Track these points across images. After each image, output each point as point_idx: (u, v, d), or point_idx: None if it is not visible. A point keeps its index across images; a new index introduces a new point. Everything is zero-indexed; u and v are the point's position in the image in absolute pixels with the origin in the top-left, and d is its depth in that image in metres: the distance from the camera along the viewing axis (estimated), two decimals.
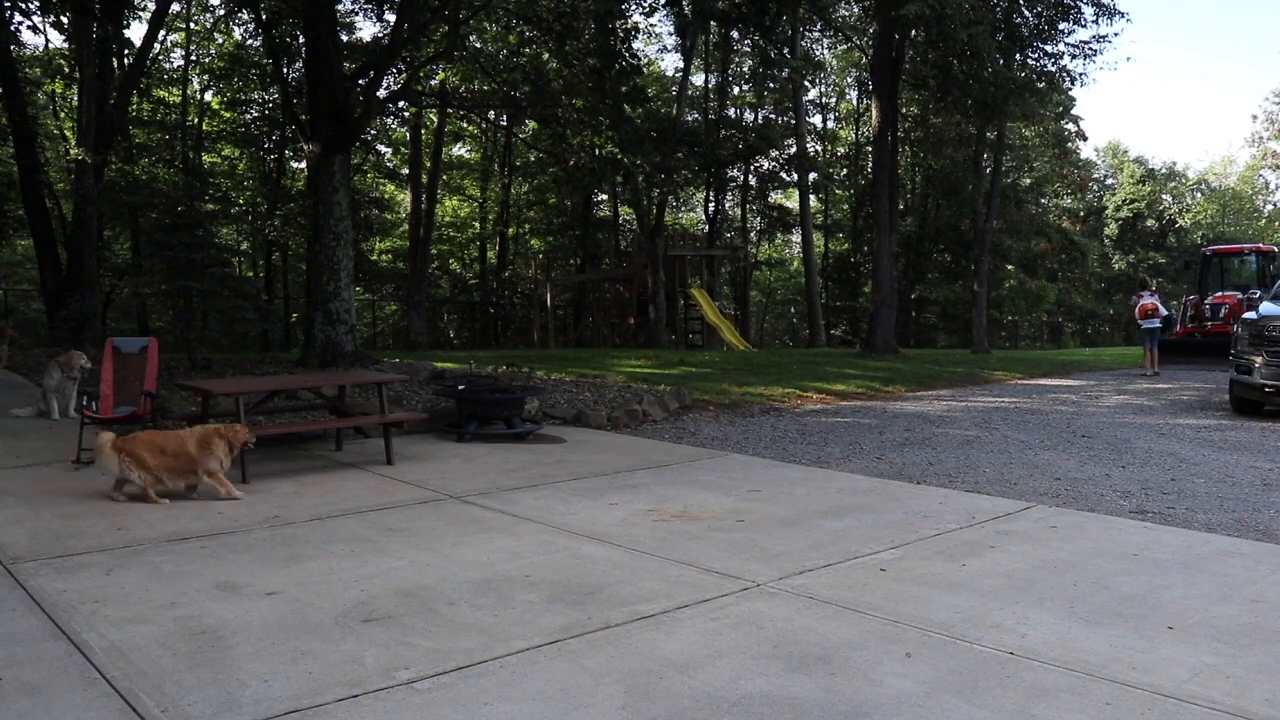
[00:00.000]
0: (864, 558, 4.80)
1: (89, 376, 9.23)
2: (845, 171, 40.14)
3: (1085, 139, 45.34)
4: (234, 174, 29.47)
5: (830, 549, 4.96)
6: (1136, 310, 17.71)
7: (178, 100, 28.09)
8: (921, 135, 35.64)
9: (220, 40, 27.86)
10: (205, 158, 28.67)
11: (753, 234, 39.10)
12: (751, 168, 35.82)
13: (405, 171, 31.91)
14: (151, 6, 20.40)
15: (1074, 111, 41.57)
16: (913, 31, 19.64)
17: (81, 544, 4.99)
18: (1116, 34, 27.94)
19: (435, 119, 29.21)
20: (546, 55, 22.36)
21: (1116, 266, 49.66)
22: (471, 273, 37.03)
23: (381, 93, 15.32)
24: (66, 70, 22.91)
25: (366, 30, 43.98)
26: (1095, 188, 52.52)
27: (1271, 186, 55.37)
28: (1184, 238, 49.31)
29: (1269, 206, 55.41)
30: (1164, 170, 52.94)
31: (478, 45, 24.20)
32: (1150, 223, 49.37)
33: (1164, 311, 17.63)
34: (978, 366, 18.40)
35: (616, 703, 3.08)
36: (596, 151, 19.84)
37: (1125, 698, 3.12)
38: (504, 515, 5.73)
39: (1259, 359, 10.76)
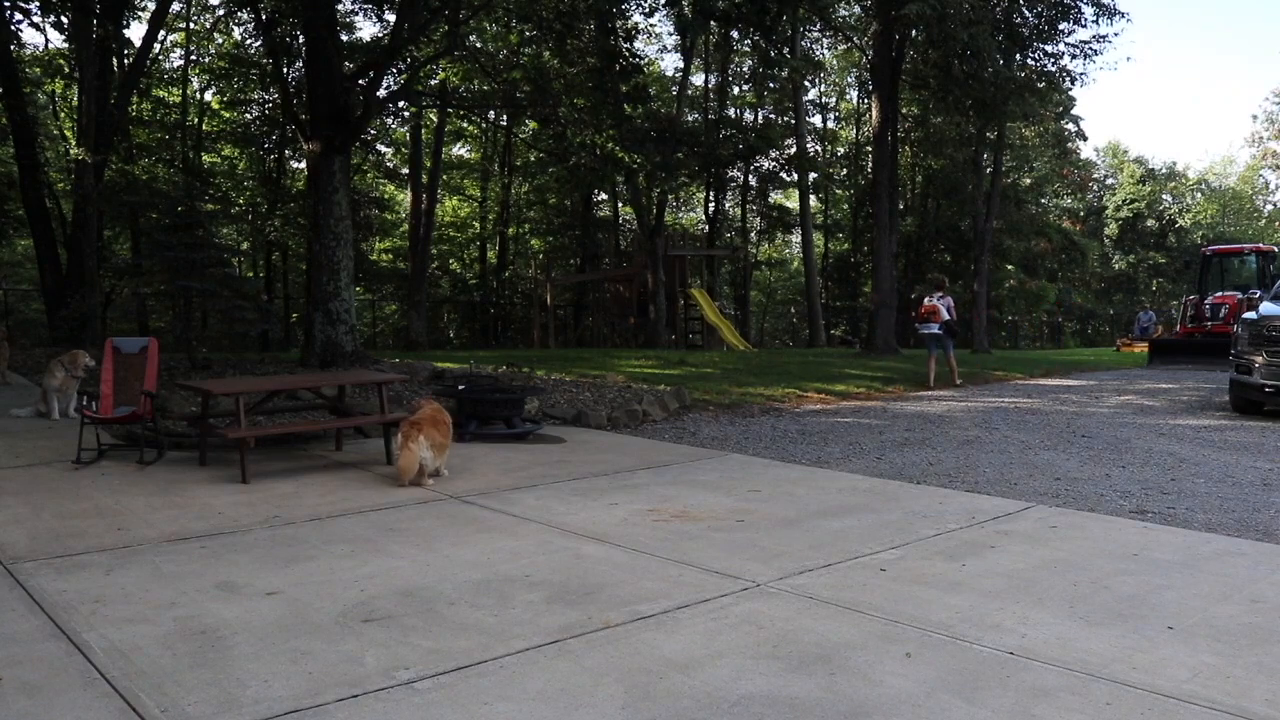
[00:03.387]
0: (864, 558, 4.80)
1: (89, 376, 9.23)
2: (845, 171, 40.15)
3: (1085, 139, 45.39)
4: (234, 174, 29.46)
5: (830, 549, 4.95)
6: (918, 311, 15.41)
7: (178, 100, 28.09)
8: (921, 135, 35.64)
9: (220, 40, 27.86)
10: (205, 158, 28.65)
11: (753, 234, 39.10)
12: (751, 168, 35.82)
13: (405, 171, 31.90)
14: (151, 6, 20.40)
15: (1074, 111, 41.57)
16: (913, 31, 19.65)
17: (81, 544, 4.99)
18: (1116, 34, 28.03)
19: (435, 119, 29.21)
20: (547, 54, 22.35)
21: (1116, 266, 49.70)
22: (471, 273, 37.02)
23: (381, 93, 15.31)
24: (66, 70, 22.91)
25: (366, 30, 44.01)
26: (1095, 188, 52.57)
27: (1271, 186, 55.45)
28: (1184, 238, 49.35)
29: (1269, 206, 55.48)
30: (1164, 170, 52.99)
31: (478, 45, 24.19)
32: (1150, 223, 49.39)
33: (945, 316, 14.88)
34: (978, 366, 18.40)
35: (616, 703, 3.08)
36: (598, 150, 19.83)
37: (1125, 698, 3.12)
38: (504, 515, 5.73)
39: (1259, 359, 10.76)
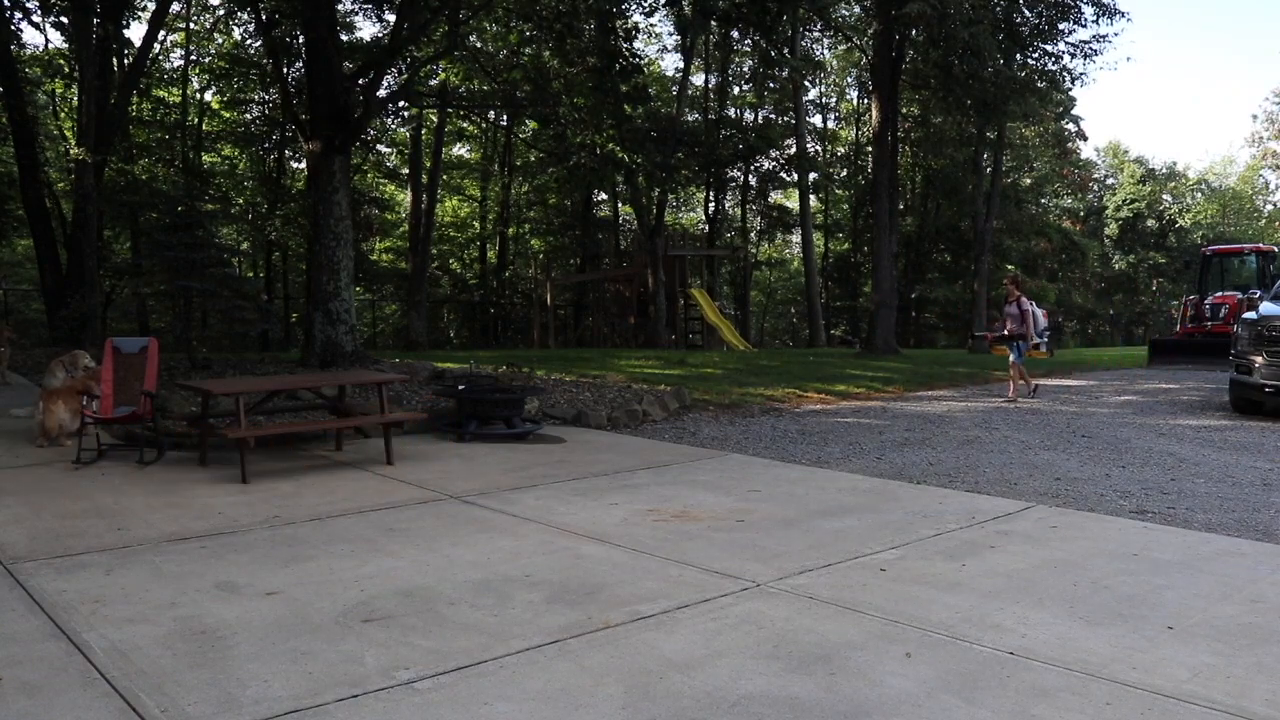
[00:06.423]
0: (864, 558, 4.80)
1: (89, 377, 9.21)
2: (845, 171, 40.13)
3: (1085, 139, 45.40)
4: (234, 174, 29.45)
5: (830, 549, 4.95)
6: None
7: (178, 100, 28.08)
8: (921, 135, 35.64)
9: (220, 40, 27.85)
10: (205, 158, 28.64)
11: (753, 234, 39.09)
12: (751, 168, 35.82)
13: (405, 171, 31.89)
14: (151, 6, 20.37)
15: (1074, 111, 41.57)
16: (913, 31, 19.65)
17: (81, 544, 4.99)
18: (1116, 34, 27.93)
19: (435, 119, 29.22)
20: (547, 54, 22.35)
21: (1116, 266, 49.69)
22: (471, 273, 37.02)
23: (381, 93, 15.30)
24: (66, 70, 22.90)
25: (366, 30, 43.99)
26: (1095, 188, 52.56)
27: (1271, 186, 55.46)
28: (1184, 238, 49.33)
29: (1269, 206, 55.47)
30: (1164, 170, 52.98)
31: (478, 45, 24.19)
32: (1150, 223, 49.37)
33: None
34: (978, 366, 18.40)
35: (616, 703, 3.08)
36: (598, 150, 19.84)
37: (1125, 698, 3.12)
38: (504, 515, 5.73)
39: (1259, 359, 10.75)
